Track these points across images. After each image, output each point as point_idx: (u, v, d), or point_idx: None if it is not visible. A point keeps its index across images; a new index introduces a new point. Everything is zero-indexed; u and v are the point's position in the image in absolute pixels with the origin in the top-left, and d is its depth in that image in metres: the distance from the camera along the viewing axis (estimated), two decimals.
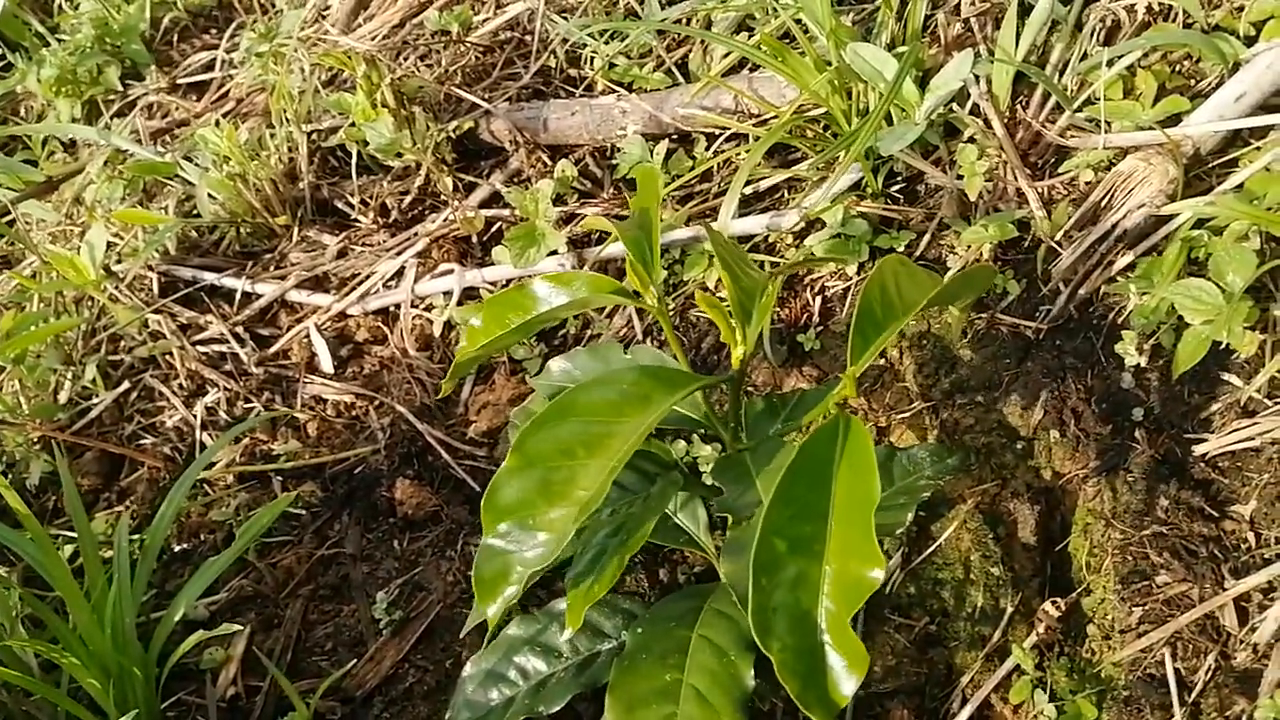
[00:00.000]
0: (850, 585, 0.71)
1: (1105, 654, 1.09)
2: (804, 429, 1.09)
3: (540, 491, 0.76)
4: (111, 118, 2.34)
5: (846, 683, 0.71)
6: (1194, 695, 0.99)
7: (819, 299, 1.49)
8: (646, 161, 1.64)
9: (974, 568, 1.24)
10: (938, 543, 1.26)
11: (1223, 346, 1.12)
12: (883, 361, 1.42)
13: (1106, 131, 1.30)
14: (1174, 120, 1.28)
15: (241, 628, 1.40)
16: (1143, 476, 1.14)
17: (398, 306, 1.75)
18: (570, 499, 0.75)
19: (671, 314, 1.58)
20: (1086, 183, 1.32)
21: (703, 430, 1.22)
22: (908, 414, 1.37)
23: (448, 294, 1.70)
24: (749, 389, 1.48)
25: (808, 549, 0.73)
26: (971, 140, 1.40)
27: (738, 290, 0.86)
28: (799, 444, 0.76)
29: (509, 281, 1.69)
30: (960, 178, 1.39)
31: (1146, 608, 1.06)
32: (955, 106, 1.44)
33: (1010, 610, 1.21)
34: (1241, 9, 1.30)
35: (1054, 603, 1.20)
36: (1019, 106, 1.41)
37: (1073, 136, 1.35)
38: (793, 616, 0.71)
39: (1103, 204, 1.26)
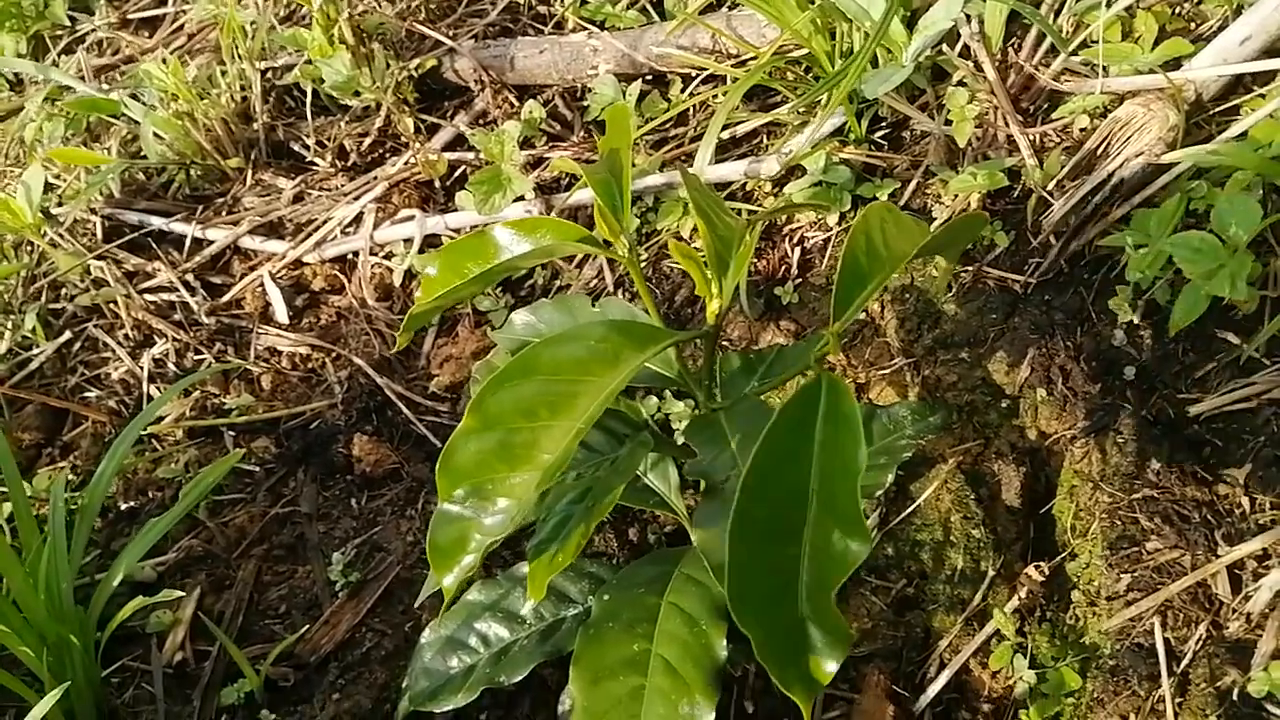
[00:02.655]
0: (833, 559, 0.65)
1: (1090, 621, 1.05)
2: (783, 388, 1.03)
3: (500, 454, 0.70)
4: (59, 54, 2.21)
5: (828, 661, 0.65)
6: (1183, 665, 0.96)
7: (798, 250, 1.42)
8: (619, 102, 1.56)
9: (954, 529, 1.20)
10: (917, 503, 1.22)
11: (1222, 303, 1.07)
12: (863, 315, 1.36)
13: (1103, 76, 1.24)
14: (1175, 64, 1.22)
15: (184, 593, 1.33)
16: (1133, 438, 1.09)
17: (356, 254, 1.66)
18: (533, 463, 0.69)
19: (644, 265, 1.51)
20: (1081, 130, 1.26)
21: (675, 387, 1.16)
22: (888, 370, 1.32)
23: (408, 241, 1.62)
24: (724, 344, 1.42)
25: (788, 521, 0.67)
26: (961, 84, 1.34)
27: (714, 239, 0.79)
28: (779, 406, 0.70)
29: (473, 229, 1.61)
30: (948, 123, 1.33)
31: (1135, 574, 1.02)
32: (945, 48, 1.37)
33: (991, 573, 1.17)
34: None
35: (1037, 567, 1.16)
36: (1011, 49, 1.35)
37: (1068, 81, 1.28)
38: (772, 593, 0.65)
39: (1098, 152, 1.20)
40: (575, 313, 1.07)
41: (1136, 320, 1.14)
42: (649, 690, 0.88)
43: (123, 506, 1.50)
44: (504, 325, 1.11)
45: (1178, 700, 0.94)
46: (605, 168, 0.88)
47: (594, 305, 1.06)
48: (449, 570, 0.71)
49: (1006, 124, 1.29)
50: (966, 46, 1.36)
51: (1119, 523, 1.06)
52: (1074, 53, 1.29)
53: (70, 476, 1.54)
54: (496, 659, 1.04)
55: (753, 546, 0.65)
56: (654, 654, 0.90)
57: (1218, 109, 1.20)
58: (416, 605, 1.22)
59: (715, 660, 0.89)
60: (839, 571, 0.65)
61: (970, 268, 1.28)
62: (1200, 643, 0.95)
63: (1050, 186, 1.24)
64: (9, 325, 1.72)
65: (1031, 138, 1.28)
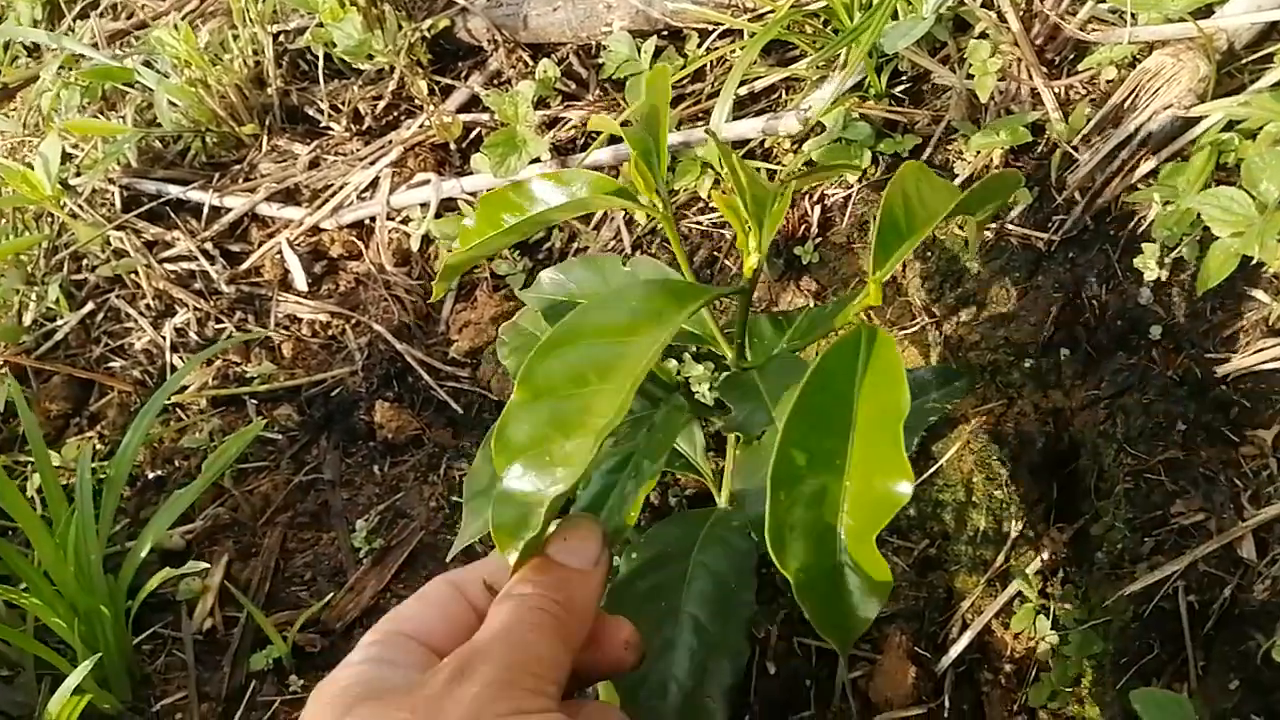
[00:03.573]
0: (876, 501, 0.64)
1: (1114, 584, 1.04)
2: (817, 344, 1.02)
3: (554, 424, 0.68)
4: (74, 19, 2.20)
5: (868, 605, 0.64)
6: (1207, 629, 0.95)
7: (818, 209, 1.40)
8: (634, 60, 1.53)
9: (976, 490, 1.19)
10: (939, 464, 1.21)
11: (1252, 261, 1.05)
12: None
13: (1132, 24, 1.20)
14: (1206, 11, 1.17)
15: (210, 564, 1.35)
16: (1159, 398, 1.08)
17: (373, 219, 1.66)
18: (586, 427, 0.67)
19: (652, 235, 1.49)
20: (1108, 81, 1.22)
21: (705, 347, 1.15)
22: (910, 330, 1.30)
23: (425, 205, 1.61)
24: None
25: (829, 463, 0.66)
26: (984, 36, 1.30)
27: (750, 196, 0.78)
28: (818, 355, 0.69)
29: (489, 191, 1.59)
30: (970, 77, 1.29)
31: (1160, 537, 1.01)
32: None
33: (1014, 535, 1.16)
34: None
35: (1060, 528, 1.15)
36: None
37: (1094, 30, 1.24)
38: (812, 534, 0.64)
39: (1125, 105, 1.17)
40: (605, 271, 1.05)
41: (1163, 278, 1.11)
42: (678, 647, 0.88)
43: (149, 476, 1.51)
44: (533, 285, 1.11)
45: (1201, 664, 0.93)
46: (643, 126, 0.87)
47: (624, 265, 1.04)
48: (513, 547, 0.68)
49: (1030, 77, 1.26)
50: None
51: (1143, 485, 1.04)
52: (1101, 0, 1.25)
53: (98, 446, 1.56)
54: None
55: (792, 490, 0.65)
56: (682, 611, 0.90)
57: (1250, 58, 1.15)
58: (447, 560, 1.22)
59: (743, 615, 0.90)
60: (882, 514, 0.64)
61: (993, 225, 1.25)
62: (1225, 606, 0.94)
63: (1075, 141, 1.20)
64: (33, 297, 1.73)
65: (1056, 91, 1.25)
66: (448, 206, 1.61)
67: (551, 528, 0.68)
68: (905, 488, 0.63)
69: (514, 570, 0.65)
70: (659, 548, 0.97)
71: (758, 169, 1.45)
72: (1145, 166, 1.15)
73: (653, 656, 0.88)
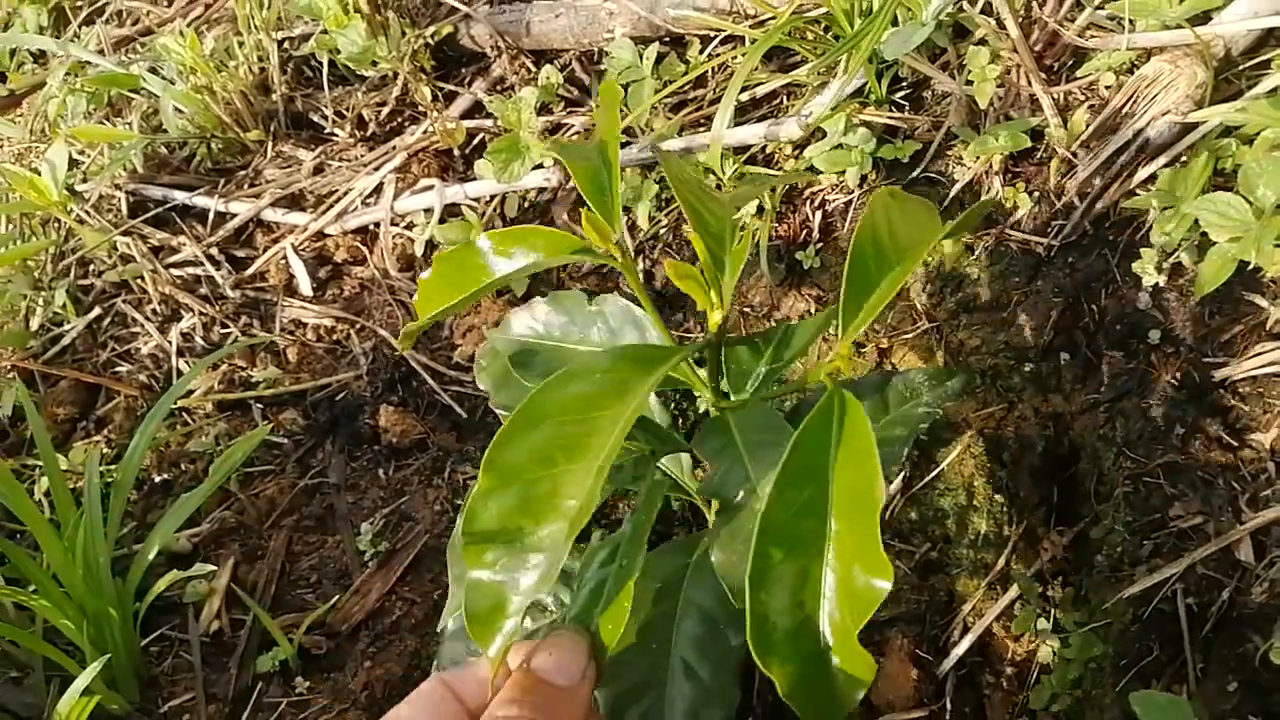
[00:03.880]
0: (856, 597, 0.64)
1: (1113, 586, 1.04)
2: (789, 361, 1.01)
3: (523, 509, 0.67)
4: (79, 26, 2.22)
5: (852, 695, 0.65)
6: (1206, 631, 0.95)
7: (819, 214, 1.41)
8: (636, 66, 1.54)
9: (977, 493, 1.20)
10: (940, 468, 1.22)
11: (1249, 266, 1.05)
12: None
13: (1130, 31, 1.21)
14: (1203, 18, 1.18)
15: (217, 566, 1.36)
16: (1158, 402, 1.08)
17: (377, 225, 1.67)
18: (559, 511, 0.66)
19: (664, 230, 1.50)
20: (1106, 87, 1.23)
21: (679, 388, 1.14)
22: (911, 334, 1.31)
23: (428, 211, 1.62)
24: (744, 310, 1.42)
25: (807, 558, 0.66)
26: (983, 42, 1.31)
27: (705, 237, 0.76)
28: (793, 437, 0.67)
29: (492, 197, 1.61)
30: (970, 83, 1.30)
31: (1159, 540, 1.02)
32: (966, 5, 1.34)
33: (1014, 538, 1.17)
34: None
35: (1060, 531, 1.16)
36: (1035, 4, 1.31)
37: (1093, 37, 1.25)
38: (794, 634, 0.64)
39: (1124, 111, 1.17)
40: (572, 311, 1.03)
41: (1162, 283, 1.12)
42: (669, 694, 0.88)
43: (156, 479, 1.53)
44: (501, 326, 1.09)
45: (1200, 666, 0.94)
46: (589, 175, 0.84)
47: (590, 304, 1.02)
48: (490, 639, 0.67)
49: (1029, 83, 1.27)
50: (988, 3, 1.33)
51: (1142, 488, 1.05)
52: (1100, 7, 1.25)
53: (105, 450, 1.57)
54: None
55: (772, 588, 0.64)
56: (673, 655, 0.89)
57: (1247, 64, 1.16)
58: (439, 629, 1.21)
59: (734, 658, 0.89)
60: (862, 610, 0.63)
61: (992, 231, 1.26)
62: (1223, 609, 0.95)
63: (1074, 147, 1.21)
64: (40, 302, 1.75)
65: (1055, 97, 1.25)
66: (451, 212, 1.63)
67: (540, 644, 0.67)
68: (884, 584, 0.63)
69: (492, 679, 0.64)
70: (647, 583, 0.96)
71: (759, 175, 1.46)
72: (1143, 172, 1.16)
73: (644, 704, 0.88)
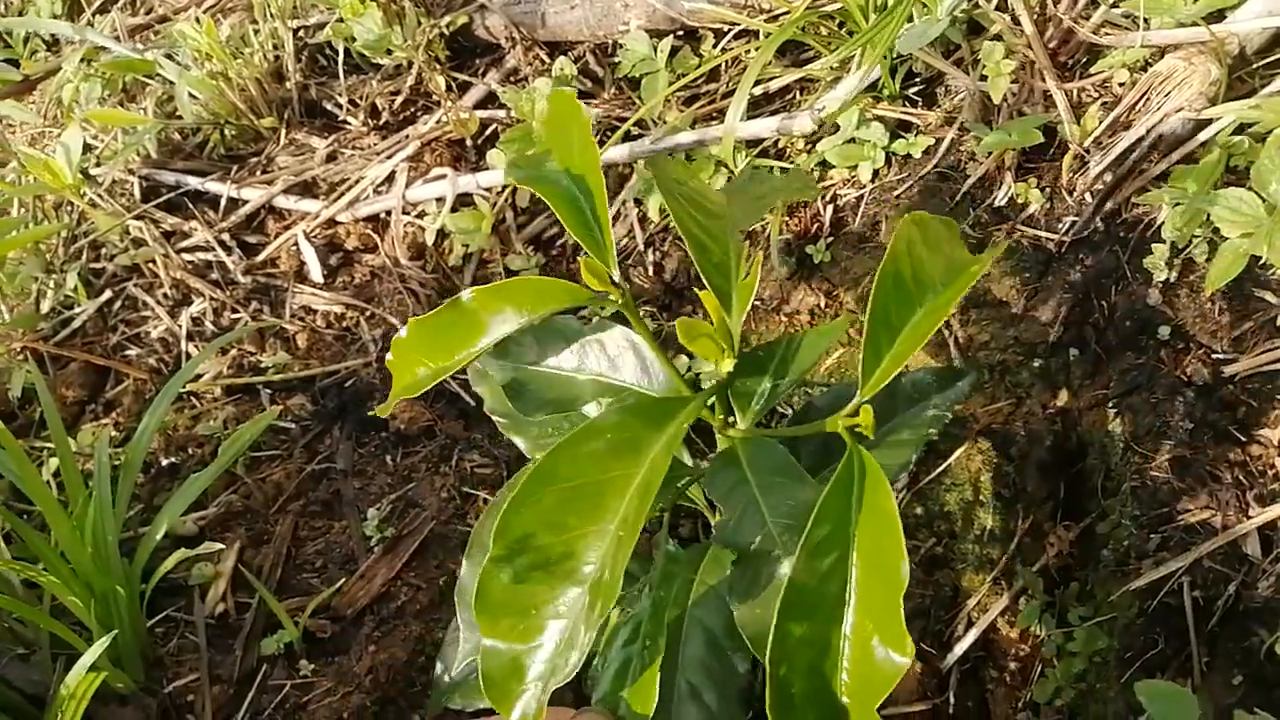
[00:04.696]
0: (873, 670, 0.64)
1: (1119, 580, 1.04)
2: (795, 380, 0.99)
3: (538, 577, 0.66)
4: (94, 13, 2.22)
5: None
6: (1212, 625, 0.95)
7: (830, 208, 1.41)
8: (650, 58, 1.55)
9: (984, 489, 1.20)
10: (947, 463, 1.22)
11: (1260, 262, 1.06)
12: None
13: (1144, 28, 1.21)
14: (1218, 16, 1.18)
15: (225, 545, 1.36)
16: (1167, 397, 1.08)
17: (389, 213, 1.67)
18: (575, 577, 0.65)
19: (673, 227, 1.50)
20: (1120, 84, 1.24)
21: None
22: None
23: (440, 200, 1.63)
24: (755, 303, 1.42)
25: (827, 633, 0.65)
26: (997, 38, 1.31)
27: (710, 270, 0.74)
28: (815, 506, 0.67)
29: (504, 188, 1.61)
30: (983, 79, 1.30)
31: (1166, 534, 1.02)
32: (981, 1, 1.34)
33: (1020, 533, 1.17)
34: None
35: (1066, 526, 1.16)
36: (1049, 1, 1.32)
37: (1107, 34, 1.25)
38: (812, 698, 0.64)
39: (1137, 107, 1.18)
40: (566, 335, 0.99)
41: (1172, 279, 1.12)
42: (674, 717, 0.87)
43: (164, 462, 1.53)
44: (495, 350, 0.96)
45: (1205, 659, 0.94)
46: (571, 207, 0.81)
47: (585, 324, 1.00)
48: (510, 706, 0.65)
49: (1043, 79, 1.27)
50: None
51: (1150, 483, 1.05)
52: (1114, 4, 1.26)
53: (113, 433, 1.57)
54: None
55: (792, 662, 0.64)
56: (679, 679, 0.88)
57: (1261, 63, 1.17)
58: (439, 673, 1.13)
59: (739, 684, 0.89)
60: (881, 684, 0.63)
61: (1004, 226, 1.26)
62: (1229, 602, 0.95)
63: (1087, 143, 1.21)
64: (51, 285, 1.75)
65: (1069, 93, 1.26)
66: (463, 201, 1.63)
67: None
68: (903, 660, 0.63)
69: None
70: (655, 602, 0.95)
71: (771, 168, 1.46)
72: (1156, 168, 1.16)
73: None
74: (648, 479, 0.67)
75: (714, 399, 0.88)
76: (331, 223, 1.71)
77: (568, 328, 1.00)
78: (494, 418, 1.07)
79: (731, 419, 0.92)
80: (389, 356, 0.86)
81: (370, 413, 1.50)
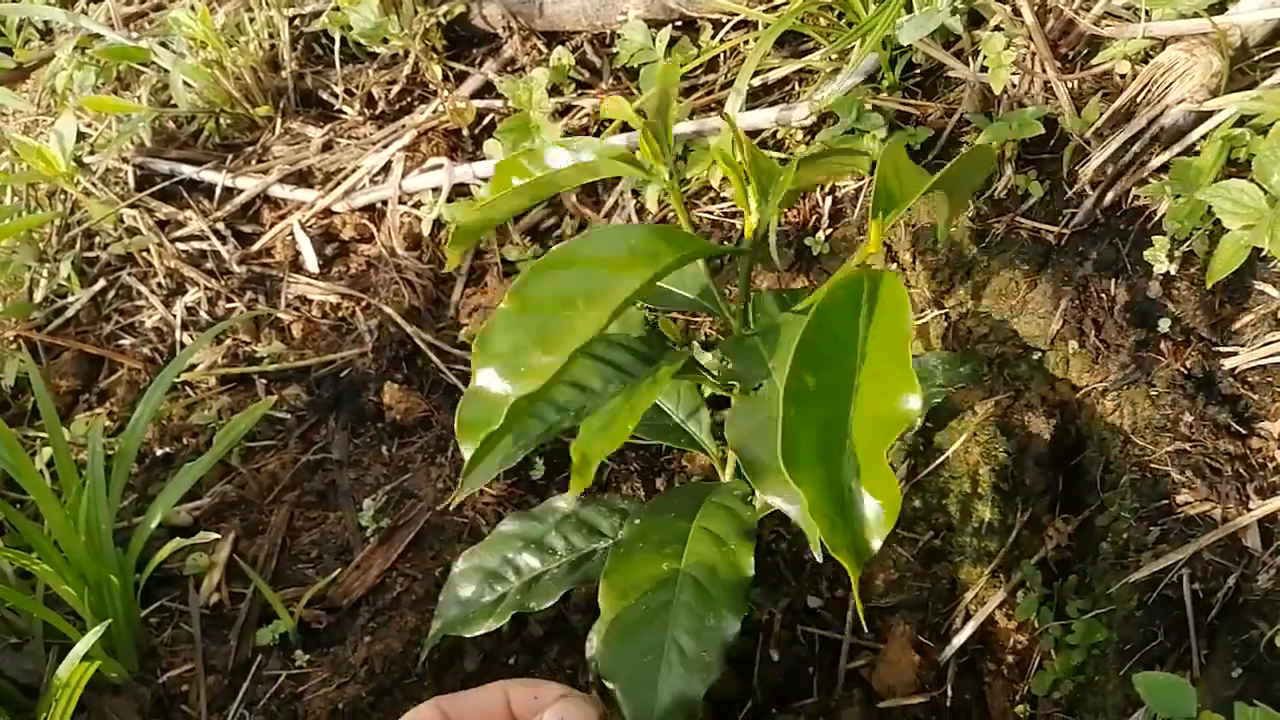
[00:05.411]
0: (883, 419, 0.65)
1: (1118, 573, 1.04)
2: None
3: (536, 339, 0.71)
4: (88, 2, 2.21)
5: (877, 527, 0.65)
6: (1211, 617, 0.95)
7: (829, 200, 1.41)
8: (648, 49, 1.54)
9: (982, 481, 1.20)
10: (945, 455, 1.22)
11: (1261, 254, 1.05)
12: (894, 265, 1.35)
13: (1146, 20, 1.20)
14: (1219, 8, 1.18)
15: (220, 535, 1.36)
16: (1166, 390, 1.08)
17: (385, 203, 1.66)
18: (563, 347, 0.70)
19: (673, 216, 1.50)
20: (1121, 76, 1.23)
21: (698, 317, 1.09)
22: (920, 321, 1.31)
23: (437, 190, 1.62)
24: (753, 292, 1.41)
25: (839, 382, 0.67)
26: (998, 29, 1.30)
27: (756, 167, 0.79)
28: (829, 281, 0.70)
29: None
30: (984, 70, 1.30)
31: (1165, 526, 1.01)
32: None
33: (1019, 526, 1.16)
34: None
35: (1065, 519, 1.15)
36: None
37: (1109, 25, 1.25)
38: (823, 453, 0.65)
39: (1138, 99, 1.17)
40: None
41: (1173, 271, 1.12)
42: (676, 604, 0.89)
43: (158, 452, 1.52)
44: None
45: (1204, 652, 0.93)
46: (653, 112, 0.88)
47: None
48: (473, 440, 0.72)
49: (1044, 70, 1.26)
50: None
51: (1149, 475, 1.05)
52: None
53: (107, 423, 1.56)
54: (527, 587, 1.05)
55: (803, 409, 0.65)
56: (682, 572, 0.91)
57: (1263, 54, 1.16)
58: (422, 659, 1.19)
59: (742, 578, 0.90)
60: (890, 431, 0.65)
61: (1004, 218, 1.26)
62: (1229, 595, 0.95)
63: (1088, 135, 1.21)
64: (45, 273, 1.74)
65: (1070, 84, 1.25)
66: (460, 191, 1.62)
67: (549, 712, 0.68)
68: (913, 402, 0.64)
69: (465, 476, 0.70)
70: (662, 513, 0.98)
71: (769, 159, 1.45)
72: (1157, 160, 1.16)
73: (653, 614, 0.89)
74: (651, 280, 0.73)
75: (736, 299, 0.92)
76: (327, 212, 1.71)
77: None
78: None
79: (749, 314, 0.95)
80: (477, 197, 0.93)
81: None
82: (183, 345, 1.63)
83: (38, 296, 1.73)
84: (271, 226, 1.72)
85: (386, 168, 1.69)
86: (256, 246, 1.71)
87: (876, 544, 0.64)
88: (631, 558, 0.93)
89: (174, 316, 1.66)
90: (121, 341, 1.68)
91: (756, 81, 1.51)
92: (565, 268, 0.73)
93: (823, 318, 0.68)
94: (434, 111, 1.70)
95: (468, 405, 0.72)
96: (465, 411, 0.72)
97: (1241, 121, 1.11)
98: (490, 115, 1.69)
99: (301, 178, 1.75)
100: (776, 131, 1.46)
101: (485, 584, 1.07)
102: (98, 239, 1.77)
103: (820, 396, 0.67)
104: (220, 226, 1.73)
